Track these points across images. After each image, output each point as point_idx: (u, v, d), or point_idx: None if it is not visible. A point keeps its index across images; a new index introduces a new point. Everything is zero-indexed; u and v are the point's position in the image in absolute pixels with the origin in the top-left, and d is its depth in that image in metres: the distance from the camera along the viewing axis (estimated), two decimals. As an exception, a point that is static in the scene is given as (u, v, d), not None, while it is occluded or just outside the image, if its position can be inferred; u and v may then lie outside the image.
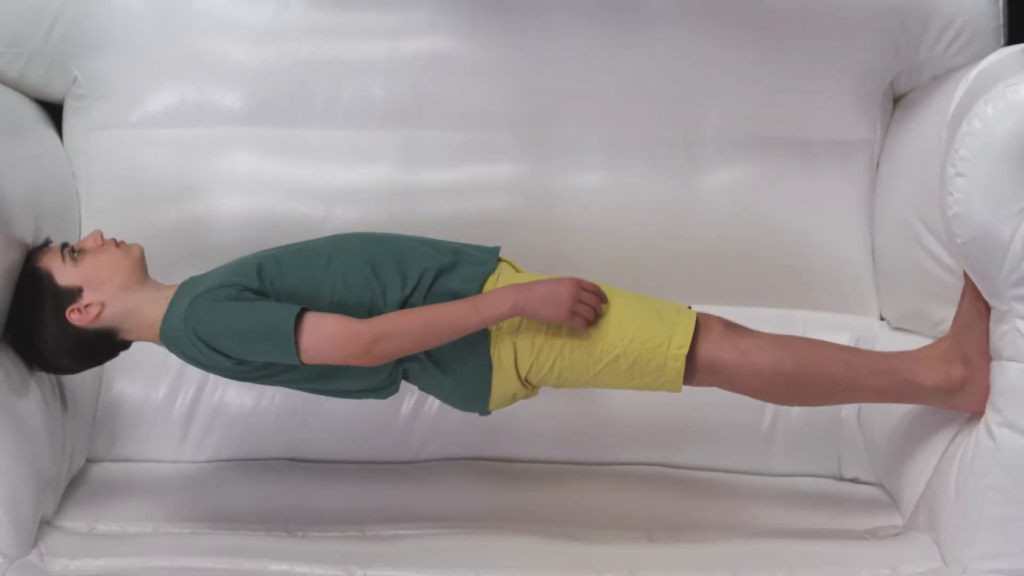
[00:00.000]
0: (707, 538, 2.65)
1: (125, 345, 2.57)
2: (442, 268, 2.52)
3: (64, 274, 2.48)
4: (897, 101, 3.11)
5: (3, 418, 2.43)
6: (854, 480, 3.04)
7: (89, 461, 3.01)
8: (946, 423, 2.61)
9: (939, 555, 2.46)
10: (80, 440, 2.91)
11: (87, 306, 2.47)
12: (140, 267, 2.53)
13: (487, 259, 2.59)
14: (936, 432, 2.64)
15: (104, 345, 2.53)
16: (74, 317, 2.47)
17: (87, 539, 2.62)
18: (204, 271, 2.95)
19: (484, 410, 2.59)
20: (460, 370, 2.52)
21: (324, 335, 2.37)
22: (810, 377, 2.51)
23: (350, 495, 2.88)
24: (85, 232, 3.07)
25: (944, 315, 2.65)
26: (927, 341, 2.78)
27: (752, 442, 3.04)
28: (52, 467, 2.65)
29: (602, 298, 2.49)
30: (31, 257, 2.54)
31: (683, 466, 3.06)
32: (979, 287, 2.40)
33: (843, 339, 3.00)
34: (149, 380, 3.04)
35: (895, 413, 2.78)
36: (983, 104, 2.27)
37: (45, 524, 2.61)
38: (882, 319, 3.12)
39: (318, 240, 2.62)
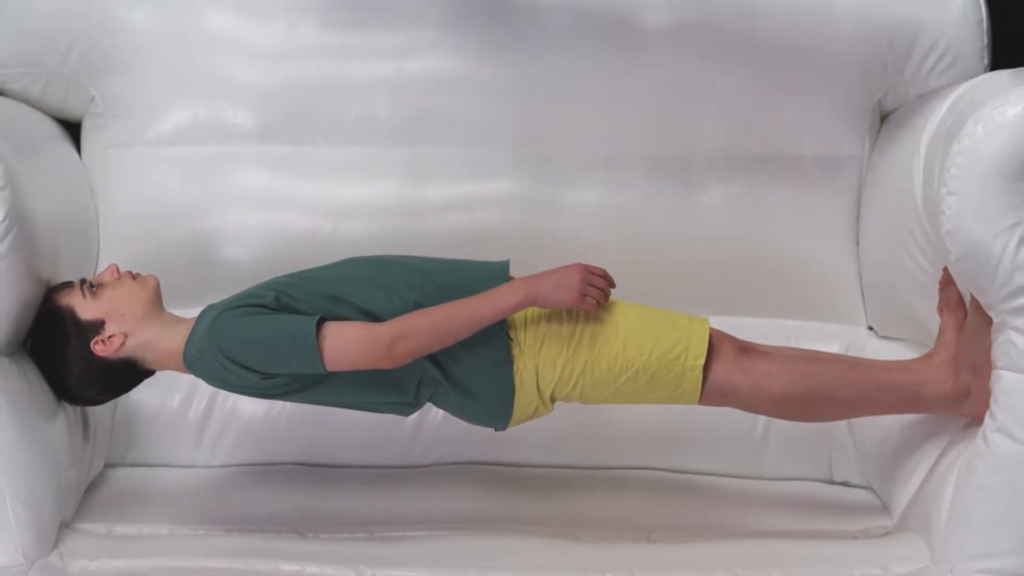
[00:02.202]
0: (704, 539, 2.66)
1: (147, 374, 2.57)
2: (454, 290, 2.50)
3: (85, 308, 2.48)
4: (884, 118, 3.13)
5: (24, 429, 2.44)
6: (844, 483, 3.05)
7: (107, 466, 3.02)
8: (936, 429, 2.63)
9: (928, 554, 2.46)
10: (99, 446, 2.91)
11: (110, 337, 2.47)
12: (156, 298, 2.54)
13: (497, 278, 2.55)
14: (926, 437, 2.65)
15: (128, 374, 2.53)
16: (99, 348, 2.47)
17: (105, 541, 2.62)
18: (216, 284, 2.98)
19: (503, 427, 2.59)
20: (484, 394, 2.52)
21: (345, 340, 2.38)
22: (820, 399, 2.53)
23: (359, 498, 2.88)
24: (104, 246, 3.10)
25: (928, 324, 2.66)
26: (913, 348, 2.80)
27: (747, 447, 3.05)
28: (71, 473, 2.65)
29: (610, 281, 2.49)
30: (51, 296, 2.54)
31: (680, 470, 3.07)
32: (979, 300, 2.41)
33: (833, 348, 3.03)
34: (165, 388, 3.03)
35: (885, 419, 2.79)
36: (972, 124, 2.29)
37: (65, 527, 2.62)
38: (870, 328, 3.12)
39: (330, 265, 2.60)
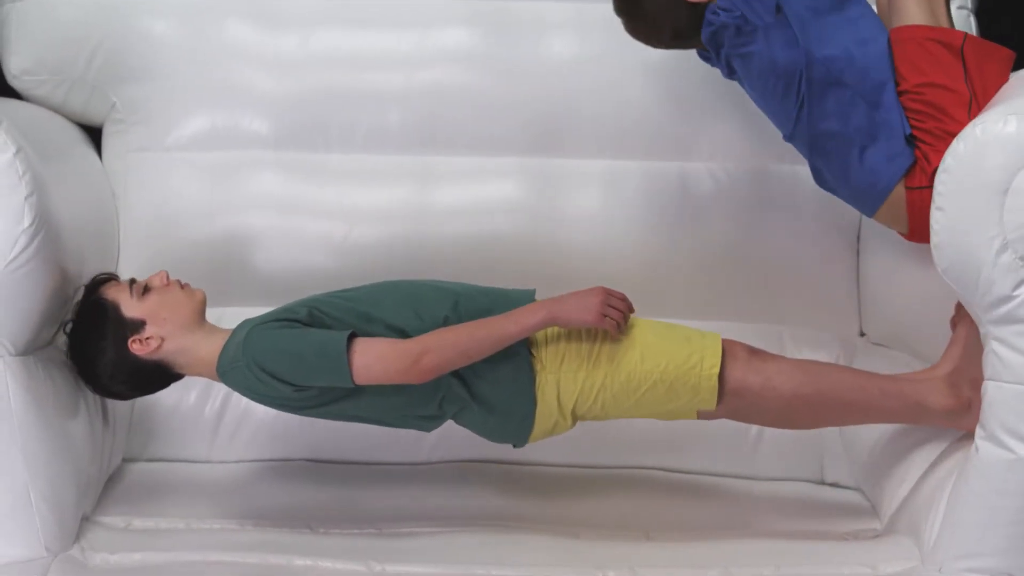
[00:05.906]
0: (701, 537, 2.66)
1: (176, 377, 2.57)
2: (483, 314, 2.49)
3: (130, 307, 2.49)
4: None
5: (48, 427, 2.45)
6: (835, 484, 3.04)
7: (126, 461, 3.01)
8: (926, 437, 2.62)
9: (917, 555, 2.46)
10: (117, 440, 2.91)
11: (148, 339, 2.48)
12: (200, 310, 2.54)
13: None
14: (917, 444, 2.64)
15: (158, 375, 2.54)
16: (135, 347, 2.48)
17: (125, 534, 2.62)
18: (233, 285, 3.01)
19: (523, 444, 2.59)
20: (507, 409, 2.52)
21: (374, 354, 2.39)
22: (827, 401, 2.53)
23: (369, 495, 2.87)
24: (124, 248, 3.10)
25: (921, 335, 2.65)
26: (902, 355, 2.80)
27: (741, 448, 3.04)
28: (92, 468, 2.65)
29: (629, 306, 2.50)
30: (98, 288, 2.54)
31: (678, 470, 3.06)
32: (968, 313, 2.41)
33: (825, 353, 3.03)
34: (181, 385, 2.94)
35: (875, 424, 2.78)
36: (956, 143, 2.29)
37: (85, 520, 2.63)
38: (862, 335, 3.13)
39: (365, 287, 2.61)
